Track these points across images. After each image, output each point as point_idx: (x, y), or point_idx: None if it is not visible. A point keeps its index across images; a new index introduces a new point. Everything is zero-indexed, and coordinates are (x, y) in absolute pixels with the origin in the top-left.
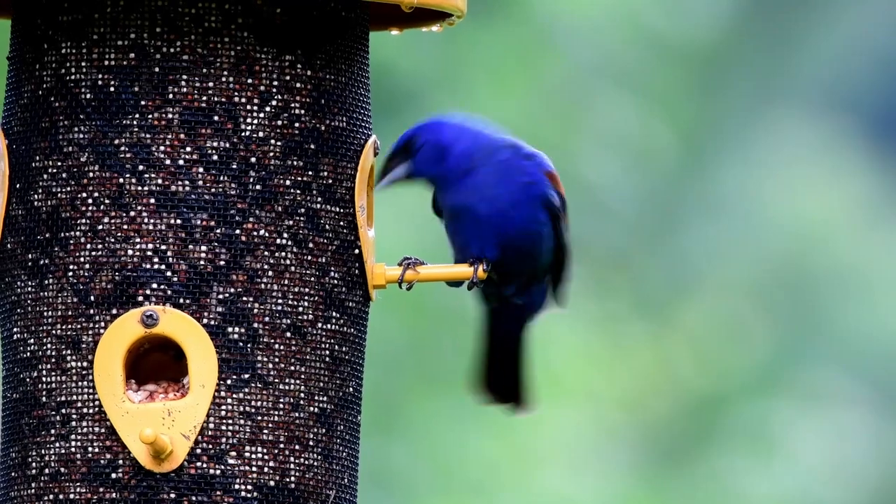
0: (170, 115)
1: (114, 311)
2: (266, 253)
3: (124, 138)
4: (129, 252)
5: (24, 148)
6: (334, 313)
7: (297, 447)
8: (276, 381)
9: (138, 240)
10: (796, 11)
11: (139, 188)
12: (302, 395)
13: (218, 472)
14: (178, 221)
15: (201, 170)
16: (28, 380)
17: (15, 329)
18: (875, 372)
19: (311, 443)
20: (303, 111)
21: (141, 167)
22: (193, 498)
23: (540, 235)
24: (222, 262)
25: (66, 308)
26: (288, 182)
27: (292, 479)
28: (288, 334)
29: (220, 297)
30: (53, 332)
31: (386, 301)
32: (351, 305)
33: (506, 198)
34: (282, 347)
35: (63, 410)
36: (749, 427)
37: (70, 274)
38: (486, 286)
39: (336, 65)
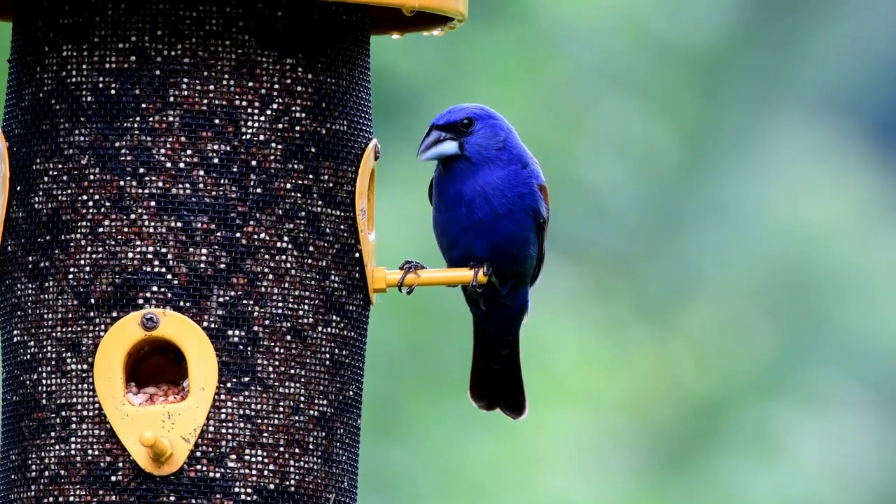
0: (171, 118)
1: (114, 314)
2: (266, 256)
3: (125, 141)
4: (130, 255)
5: (25, 150)
6: (335, 317)
7: (296, 450)
8: (276, 384)
9: (139, 242)
10: (798, 15)
11: (140, 191)
12: (302, 398)
13: (218, 475)
14: (179, 224)
15: (202, 173)
16: (28, 382)
17: (15, 331)
18: (877, 375)
19: (310, 446)
20: (304, 114)
21: (142, 170)
22: (193, 501)
23: (527, 241)
24: (223, 266)
25: (66, 311)
26: (289, 185)
27: (292, 482)
28: (288, 338)
29: (221, 300)
30: (54, 334)
31: (386, 304)
32: (351, 309)
33: (505, 206)
34: (282, 351)
35: (63, 413)
36: (751, 430)
37: (70, 276)
38: (485, 289)
39: (337, 68)
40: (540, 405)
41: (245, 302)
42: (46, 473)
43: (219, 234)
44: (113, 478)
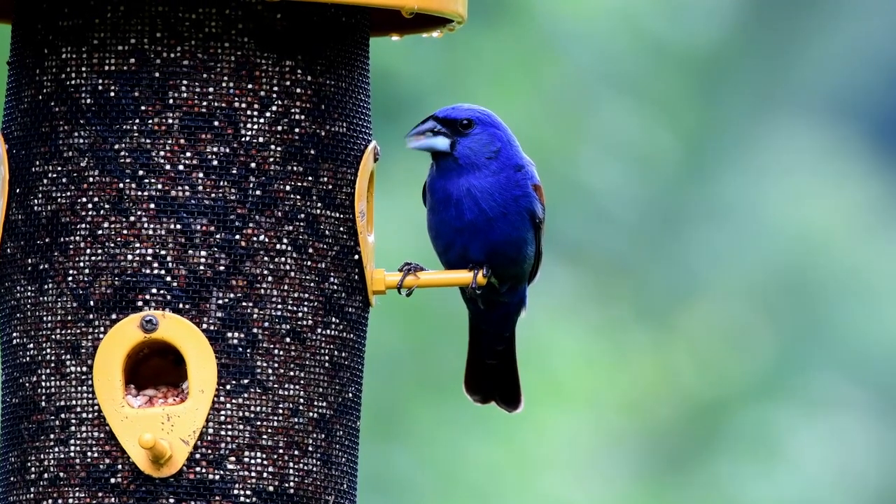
0: (170, 121)
1: (113, 316)
2: (266, 258)
3: (124, 143)
4: (129, 257)
5: (24, 153)
6: (334, 319)
7: (296, 452)
8: (276, 386)
9: (138, 245)
10: (798, 18)
11: (139, 193)
12: (301, 400)
13: (217, 477)
14: (178, 226)
15: (201, 175)
16: (27, 384)
17: (14, 334)
18: (877, 378)
19: (310, 448)
20: (303, 116)
21: (141, 172)
22: (192, 503)
23: (525, 241)
24: (222, 268)
25: (65, 313)
26: (288, 187)
27: (291, 484)
28: (287, 340)
29: (220, 302)
30: (53, 336)
31: (385, 306)
32: (350, 311)
33: (496, 208)
34: (281, 353)
35: (62, 415)
36: (751, 433)
37: (70, 279)
38: (485, 289)
39: (336, 70)
40: (540, 407)
41: (244, 304)
42: (46, 476)
43: (218, 236)
44: (112, 480)
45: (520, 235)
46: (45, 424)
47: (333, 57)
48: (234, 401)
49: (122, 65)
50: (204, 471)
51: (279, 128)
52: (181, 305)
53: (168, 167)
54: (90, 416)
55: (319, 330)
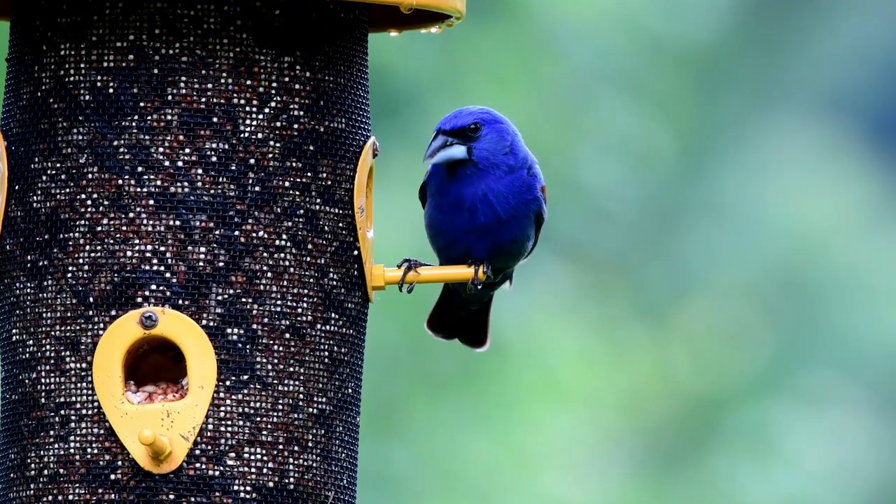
0: (169, 117)
1: (113, 313)
2: (265, 254)
3: (123, 140)
4: (129, 253)
5: (23, 149)
6: (333, 315)
7: (295, 448)
8: (275, 382)
9: (137, 241)
10: (796, 15)
11: (138, 189)
12: (301, 396)
13: (217, 473)
14: (177, 223)
15: (200, 171)
16: (27, 381)
17: (14, 330)
18: (873, 375)
19: (309, 444)
20: (302, 112)
21: (140, 168)
22: (192, 499)
23: (527, 239)
24: (221, 264)
25: (65, 309)
26: (287, 183)
27: (291, 480)
28: (287, 335)
29: (219, 298)
30: (52, 333)
31: (385, 302)
32: (350, 307)
33: (509, 212)
34: (281, 349)
35: (62, 412)
36: (748, 430)
37: (69, 275)
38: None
39: (335, 66)
40: (538, 405)
41: (244, 300)
42: (45, 472)
43: (217, 232)
44: (112, 476)
45: (524, 234)
46: (44, 421)
47: (332, 53)
48: (233, 397)
49: (120, 61)
50: (204, 467)
51: (278, 124)
52: (180, 302)
53: (167, 163)
54: (90, 412)
55: (319, 326)
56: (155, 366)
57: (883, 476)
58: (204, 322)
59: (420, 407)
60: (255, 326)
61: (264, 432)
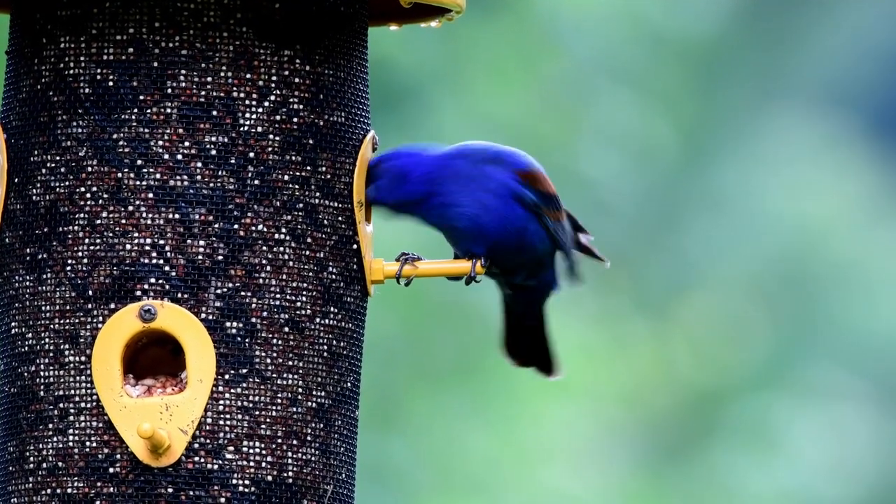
0: (168, 110)
1: (112, 306)
2: (264, 248)
3: (123, 133)
4: (128, 246)
5: (23, 142)
6: (332, 308)
7: (294, 442)
8: (274, 376)
9: (136, 234)
10: (797, 8)
11: (137, 183)
12: (300, 390)
13: (216, 466)
14: (177, 216)
15: (200, 164)
16: (26, 374)
17: (13, 323)
18: (874, 368)
19: (308, 438)
20: (301, 106)
21: (139, 162)
22: (191, 493)
23: (525, 230)
24: (220, 257)
25: (64, 302)
26: (286, 177)
27: (290, 474)
28: (286, 329)
29: (219, 291)
30: (51, 326)
31: (384, 296)
32: (349, 301)
33: (474, 208)
34: (280, 342)
35: (61, 405)
36: (749, 423)
37: (68, 268)
38: (493, 277)
39: (335, 60)
40: (538, 398)
41: (243, 294)
42: (44, 465)
43: (216, 225)
44: (111, 469)
45: (516, 225)
46: (43, 414)
47: (332, 46)
48: (232, 390)
49: (120, 54)
50: (202, 460)
51: (278, 117)
52: (180, 295)
53: (166, 156)
54: (89, 405)
55: (318, 319)
56: (154, 359)
57: (884, 469)
58: (203, 315)
59: (419, 400)
60: (254, 320)
61: (263, 426)
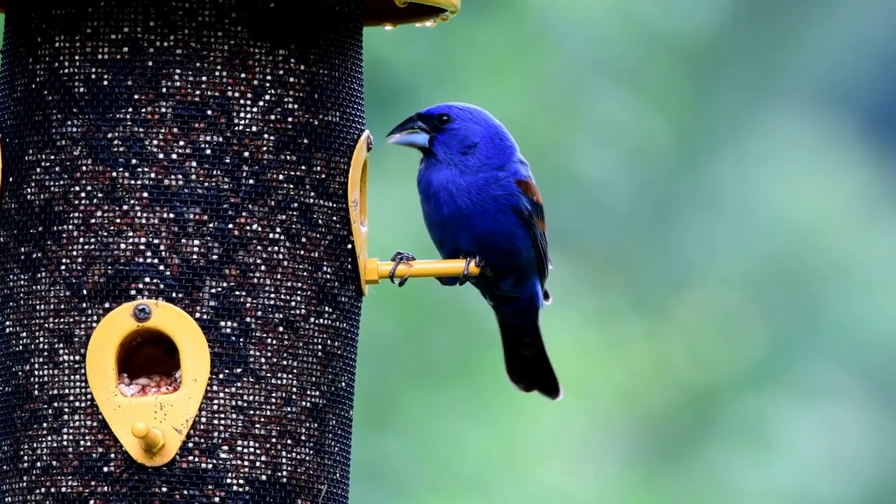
0: (163, 110)
1: (106, 305)
2: (259, 247)
3: (117, 132)
4: (122, 246)
5: (17, 141)
6: (327, 308)
7: (289, 441)
8: (269, 375)
9: (131, 234)
10: (793, 7)
11: (132, 182)
12: (294, 389)
13: (210, 466)
14: (171, 215)
15: (194, 164)
16: (20, 373)
17: (7, 322)
18: (870, 366)
19: (303, 437)
20: (296, 106)
21: (134, 161)
22: (185, 492)
23: (514, 234)
24: (215, 257)
25: (58, 302)
26: (281, 177)
27: (284, 473)
28: (280, 329)
29: (213, 291)
30: (46, 325)
31: (378, 296)
32: (343, 300)
33: (472, 206)
34: (274, 342)
35: (55, 404)
36: (744, 421)
37: (63, 267)
38: (483, 281)
39: (330, 59)
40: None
41: (237, 293)
42: (38, 464)
43: (211, 225)
44: (105, 469)
45: (506, 229)
46: (37, 413)
47: (327, 46)
48: (226, 390)
49: (115, 53)
50: (197, 460)
51: (272, 117)
52: (174, 294)
53: (161, 156)
54: (83, 404)
55: (312, 319)
56: (148, 358)
57: (880, 467)
58: (197, 315)
59: (414, 399)
60: (248, 319)
61: (257, 425)
